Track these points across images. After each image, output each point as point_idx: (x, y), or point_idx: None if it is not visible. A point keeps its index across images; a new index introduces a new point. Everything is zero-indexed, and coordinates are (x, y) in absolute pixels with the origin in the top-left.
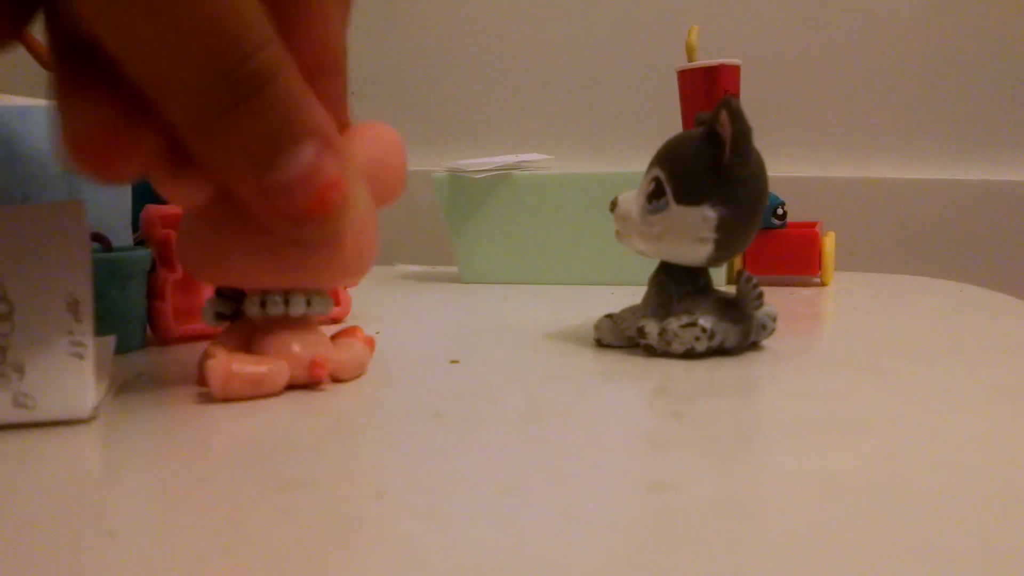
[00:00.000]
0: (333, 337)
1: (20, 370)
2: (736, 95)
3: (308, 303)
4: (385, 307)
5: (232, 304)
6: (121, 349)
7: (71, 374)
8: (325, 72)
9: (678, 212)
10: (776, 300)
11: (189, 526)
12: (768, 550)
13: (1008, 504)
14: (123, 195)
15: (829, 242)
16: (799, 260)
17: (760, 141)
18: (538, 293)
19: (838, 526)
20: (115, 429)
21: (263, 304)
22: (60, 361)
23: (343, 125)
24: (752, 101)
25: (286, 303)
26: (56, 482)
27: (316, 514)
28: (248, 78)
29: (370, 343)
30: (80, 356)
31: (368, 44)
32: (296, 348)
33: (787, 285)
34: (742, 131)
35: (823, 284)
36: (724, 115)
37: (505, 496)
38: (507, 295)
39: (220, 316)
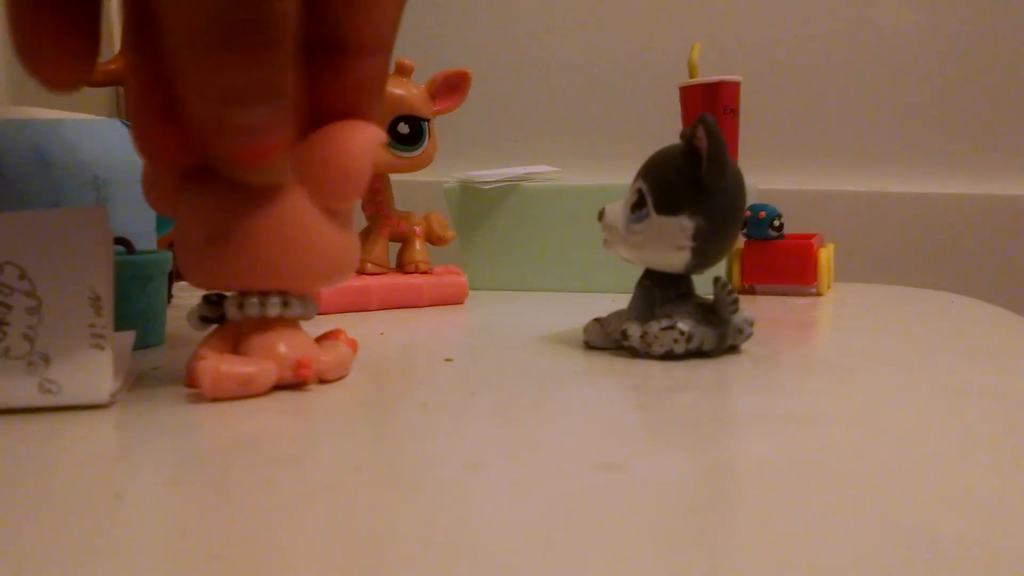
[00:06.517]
0: (317, 339)
1: (46, 359)
2: (736, 110)
3: (284, 304)
4: (393, 310)
5: (217, 308)
6: (141, 345)
7: (92, 363)
8: (365, 51)
9: (658, 221)
10: (768, 308)
11: (188, 490)
12: (693, 520)
13: (915, 486)
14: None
15: (826, 253)
16: (795, 270)
17: (763, 155)
18: (540, 299)
19: (762, 501)
20: (129, 414)
21: (240, 306)
22: (82, 351)
23: (369, 107)
24: (755, 117)
25: (262, 304)
26: (74, 456)
27: (299, 484)
28: (255, 22)
29: (353, 345)
30: (100, 347)
31: None
32: (282, 349)
33: (786, 295)
34: (717, 146)
35: (819, 294)
36: (701, 131)
37: (468, 471)
38: (510, 301)
39: (205, 320)
